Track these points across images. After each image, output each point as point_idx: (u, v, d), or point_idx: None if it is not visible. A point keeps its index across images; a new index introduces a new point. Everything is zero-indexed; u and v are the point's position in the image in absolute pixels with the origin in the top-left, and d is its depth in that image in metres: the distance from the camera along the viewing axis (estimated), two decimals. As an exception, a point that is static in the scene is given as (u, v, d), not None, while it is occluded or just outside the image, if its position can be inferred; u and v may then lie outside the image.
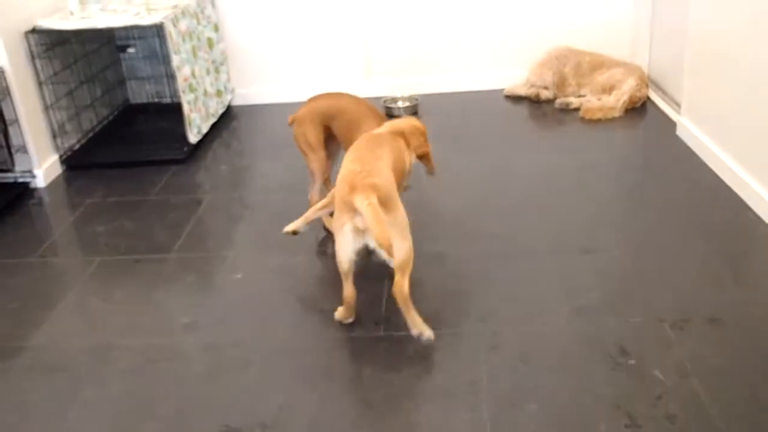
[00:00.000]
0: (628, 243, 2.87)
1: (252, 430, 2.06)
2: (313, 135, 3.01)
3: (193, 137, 4.05)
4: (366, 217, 2.18)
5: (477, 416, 2.05)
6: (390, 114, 4.44)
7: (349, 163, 2.38)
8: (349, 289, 2.44)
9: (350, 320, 2.49)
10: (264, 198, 3.54)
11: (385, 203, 2.23)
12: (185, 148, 4.00)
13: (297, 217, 2.79)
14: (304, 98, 3.22)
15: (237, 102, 4.87)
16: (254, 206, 3.46)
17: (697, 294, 2.51)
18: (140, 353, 2.44)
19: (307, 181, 3.18)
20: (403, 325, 2.37)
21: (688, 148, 3.65)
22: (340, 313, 2.50)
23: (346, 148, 2.84)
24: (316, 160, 3.05)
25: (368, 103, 3.05)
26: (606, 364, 2.20)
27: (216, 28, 4.54)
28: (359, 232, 2.29)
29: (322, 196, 2.88)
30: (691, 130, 3.64)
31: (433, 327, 2.35)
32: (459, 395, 2.13)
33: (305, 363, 2.35)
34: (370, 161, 2.36)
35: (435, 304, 2.55)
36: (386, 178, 2.33)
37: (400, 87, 4.71)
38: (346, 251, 2.35)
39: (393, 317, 2.47)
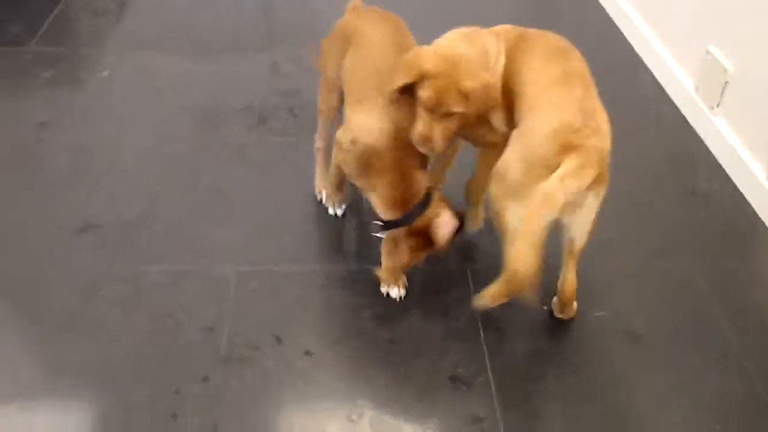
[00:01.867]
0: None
1: (113, 227, 2.02)
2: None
3: None
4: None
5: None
6: None
7: (562, 111, 1.58)
8: None
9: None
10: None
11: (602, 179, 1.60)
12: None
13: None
14: None
15: None
16: (125, 2, 3.18)
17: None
18: (-8, 149, 2.29)
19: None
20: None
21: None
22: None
23: None
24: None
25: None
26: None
27: None
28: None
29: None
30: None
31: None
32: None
33: (171, 163, 2.28)
34: (592, 110, 1.60)
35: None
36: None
37: None
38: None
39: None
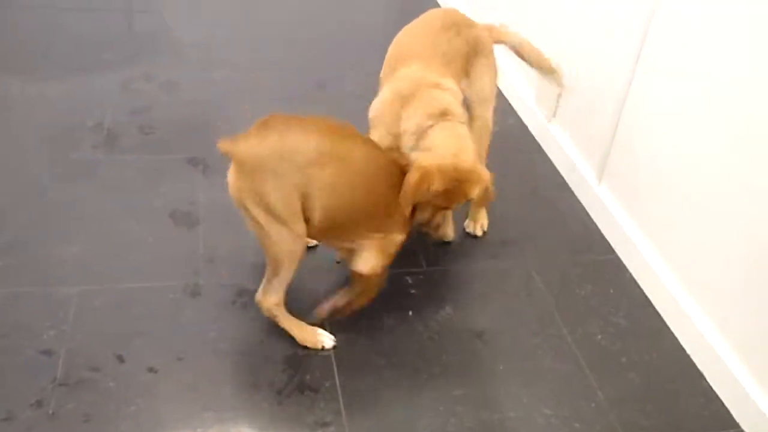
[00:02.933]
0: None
1: (-59, 253, 1.91)
2: None
3: None
4: None
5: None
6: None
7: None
8: None
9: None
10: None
11: None
12: None
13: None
14: None
15: None
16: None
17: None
18: None
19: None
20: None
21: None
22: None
23: None
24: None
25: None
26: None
27: None
28: None
29: None
30: None
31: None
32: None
33: (17, 182, 2.19)
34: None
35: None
36: None
37: None
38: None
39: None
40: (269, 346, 1.78)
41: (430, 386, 1.74)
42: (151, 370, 1.67)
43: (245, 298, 1.88)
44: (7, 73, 2.71)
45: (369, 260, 1.75)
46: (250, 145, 1.58)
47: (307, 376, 1.72)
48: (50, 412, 1.54)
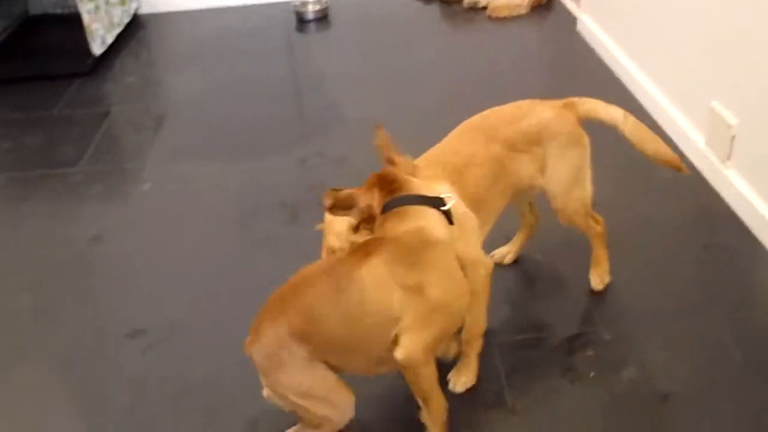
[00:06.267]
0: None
1: (160, 330, 2.17)
2: None
3: (97, 48, 3.94)
4: None
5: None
6: (301, 19, 4.39)
7: None
8: None
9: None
10: (173, 109, 3.52)
11: None
12: (89, 60, 3.90)
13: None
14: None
15: (144, 10, 4.71)
16: (163, 117, 3.45)
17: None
18: (46, 267, 2.48)
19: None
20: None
21: (587, 44, 3.75)
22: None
23: None
24: None
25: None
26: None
27: (114, -68, 4.34)
28: None
29: None
30: (589, 27, 3.74)
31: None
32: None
33: (213, 268, 2.44)
34: None
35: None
36: None
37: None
38: None
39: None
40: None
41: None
42: None
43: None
44: (191, 163, 3.04)
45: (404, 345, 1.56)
46: (254, 352, 1.62)
47: None
48: None
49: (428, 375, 1.60)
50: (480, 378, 1.91)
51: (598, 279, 2.20)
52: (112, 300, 2.33)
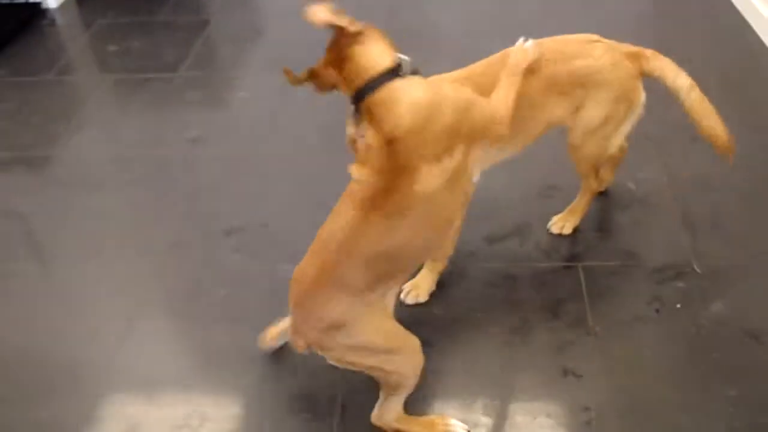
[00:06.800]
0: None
1: (254, 228, 2.27)
2: None
3: (201, -44, 3.98)
4: None
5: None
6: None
7: None
8: None
9: None
10: (272, 22, 3.56)
11: None
12: (193, -32, 3.95)
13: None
14: None
15: None
16: (263, 29, 3.48)
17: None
18: (151, 164, 2.61)
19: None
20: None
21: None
22: None
23: None
24: None
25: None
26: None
27: None
28: None
29: None
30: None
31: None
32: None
33: (304, 173, 2.50)
34: None
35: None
36: None
37: None
38: None
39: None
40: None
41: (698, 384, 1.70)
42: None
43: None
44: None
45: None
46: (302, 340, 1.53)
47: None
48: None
49: None
50: (563, 298, 1.92)
51: (560, 224, 2.11)
52: (210, 198, 2.43)
